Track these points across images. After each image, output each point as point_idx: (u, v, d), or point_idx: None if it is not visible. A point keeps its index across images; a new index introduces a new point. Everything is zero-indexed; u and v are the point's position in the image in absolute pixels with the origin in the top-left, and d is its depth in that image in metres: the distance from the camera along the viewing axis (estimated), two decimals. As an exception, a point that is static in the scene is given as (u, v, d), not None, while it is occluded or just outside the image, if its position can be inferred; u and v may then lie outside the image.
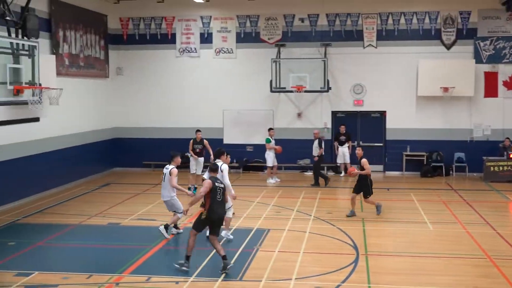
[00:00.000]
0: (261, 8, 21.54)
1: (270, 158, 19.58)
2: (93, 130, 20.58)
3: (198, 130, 17.62)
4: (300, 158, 21.56)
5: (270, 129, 19.91)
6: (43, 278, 9.55)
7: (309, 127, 21.45)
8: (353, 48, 21.29)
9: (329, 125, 21.63)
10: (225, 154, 11.99)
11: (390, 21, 21.10)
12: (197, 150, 17.52)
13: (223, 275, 9.58)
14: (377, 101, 21.32)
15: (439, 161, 20.86)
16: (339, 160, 20.81)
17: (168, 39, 22.19)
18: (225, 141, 21.81)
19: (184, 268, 9.74)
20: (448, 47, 20.86)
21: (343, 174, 20.81)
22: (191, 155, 17.39)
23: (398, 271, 9.95)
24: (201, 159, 17.57)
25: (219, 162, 11.44)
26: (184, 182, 15.62)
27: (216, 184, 9.91)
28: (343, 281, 9.28)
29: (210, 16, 21.92)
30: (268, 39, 21.64)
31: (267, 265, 10.14)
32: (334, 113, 21.67)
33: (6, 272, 9.88)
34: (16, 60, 11.42)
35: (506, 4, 19.84)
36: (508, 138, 20.13)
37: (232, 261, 10.22)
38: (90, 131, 20.37)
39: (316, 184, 18.84)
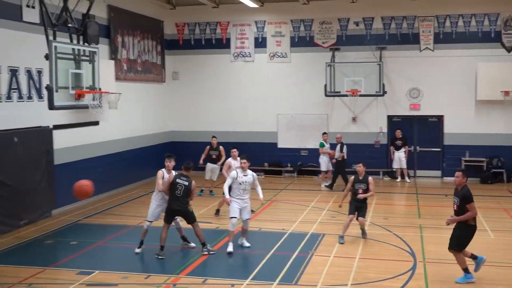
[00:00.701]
0: (315, 12, 21.45)
1: (324, 163, 19.48)
2: (149, 133, 20.93)
3: (213, 136, 17.67)
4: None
5: (324, 134, 19.81)
6: (103, 277, 9.78)
7: (364, 131, 21.30)
8: (409, 51, 20.91)
9: (385, 130, 21.30)
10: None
11: (447, 23, 20.64)
12: (213, 157, 17.55)
13: (278, 279, 9.55)
14: (434, 105, 20.85)
15: (500, 167, 20.24)
16: (395, 165, 20.45)
17: (222, 44, 22.35)
18: (279, 145, 21.89)
19: (160, 257, 10.81)
20: (509, 49, 20.23)
21: (399, 179, 20.45)
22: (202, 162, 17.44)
23: (453, 278, 9.60)
24: (216, 166, 17.44)
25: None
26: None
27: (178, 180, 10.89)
28: (401, 288, 9.13)
29: (264, 21, 21.97)
30: (323, 43, 21.53)
31: (322, 270, 10.07)
32: (389, 118, 21.33)
33: (69, 270, 10.21)
34: (77, 66, 11.65)
35: None
36: None
37: (287, 266, 10.21)
38: (147, 135, 20.71)
39: (331, 186, 18.94)
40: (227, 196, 11.35)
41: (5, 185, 12.84)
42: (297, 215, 14.71)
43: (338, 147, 18.85)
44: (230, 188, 11.43)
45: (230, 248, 11.13)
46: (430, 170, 21.26)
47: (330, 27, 21.47)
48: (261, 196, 11.53)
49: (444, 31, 20.69)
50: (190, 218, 11.15)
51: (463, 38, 20.54)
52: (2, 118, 13.02)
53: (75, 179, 15.57)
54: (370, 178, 12.43)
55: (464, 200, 9.15)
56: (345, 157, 18.72)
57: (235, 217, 11.19)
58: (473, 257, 9.41)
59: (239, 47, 22.24)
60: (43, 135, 14.33)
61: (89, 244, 11.98)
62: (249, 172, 11.45)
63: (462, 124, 20.64)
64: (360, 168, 12.54)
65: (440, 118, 20.99)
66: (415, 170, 21.33)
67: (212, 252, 11.10)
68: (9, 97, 13.31)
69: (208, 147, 17.63)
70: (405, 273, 9.82)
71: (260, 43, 22.08)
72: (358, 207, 12.20)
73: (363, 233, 12.37)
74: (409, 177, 20.73)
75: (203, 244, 11.12)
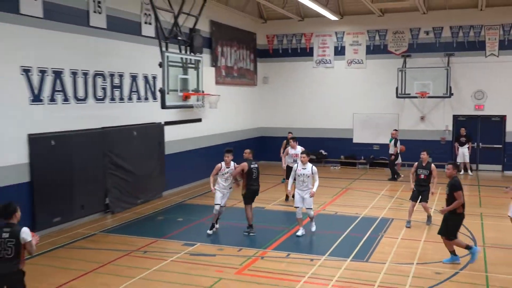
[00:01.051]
0: (389, 23, 21.02)
1: (394, 156, 19.15)
2: (243, 129, 21.29)
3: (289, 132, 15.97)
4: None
5: (394, 130, 19.44)
6: (204, 249, 10.14)
7: (431, 129, 20.70)
8: (475, 57, 20.01)
9: (450, 128, 20.58)
10: None
11: (512, 31, 19.65)
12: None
13: (351, 256, 9.58)
14: (498, 106, 19.88)
15: (561, 163, 19.06)
16: (459, 159, 19.68)
17: (306, 52, 22.35)
18: (354, 141, 21.67)
19: (251, 234, 11.07)
20: None
21: (462, 172, 19.70)
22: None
23: (514, 263, 9.31)
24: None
25: None
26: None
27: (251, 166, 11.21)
28: (461, 269, 8.89)
29: (343, 32, 21.76)
30: (395, 50, 21.07)
31: (390, 250, 9.98)
32: (455, 117, 20.56)
33: (175, 241, 10.66)
34: (185, 72, 11.91)
35: None
36: None
37: (359, 245, 10.19)
38: (241, 130, 21.08)
39: (393, 178, 18.45)
40: (289, 187, 11.49)
41: (126, 171, 13.59)
42: (369, 201, 14.57)
43: (393, 142, 18.56)
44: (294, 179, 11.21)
45: (298, 233, 11.06)
46: (491, 164, 20.37)
47: (402, 36, 20.98)
48: (314, 189, 11.04)
49: (509, 38, 19.66)
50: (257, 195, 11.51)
51: (527, 44, 19.50)
52: (125, 116, 13.74)
53: (181, 166, 16.32)
54: (433, 165, 12.18)
55: (452, 189, 9.10)
56: (398, 151, 18.48)
57: (298, 206, 11.05)
58: (468, 247, 9.18)
59: (320, 55, 22.17)
60: (156, 129, 14.96)
61: (192, 221, 12.43)
62: (309, 166, 11.06)
63: (524, 123, 19.63)
64: (424, 155, 12.23)
65: (502, 118, 19.98)
66: (477, 164, 20.47)
67: (252, 234, 11.15)
68: (130, 98, 14.00)
69: (285, 141, 17.17)
70: (466, 256, 9.48)
71: (339, 51, 21.88)
72: (420, 192, 11.91)
73: (428, 219, 12.07)
74: (471, 170, 19.97)
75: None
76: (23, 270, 6.16)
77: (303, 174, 11.02)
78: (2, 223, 6.10)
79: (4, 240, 5.93)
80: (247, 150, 11.66)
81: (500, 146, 20.20)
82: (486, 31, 19.89)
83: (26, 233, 6.00)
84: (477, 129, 20.40)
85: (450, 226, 9.17)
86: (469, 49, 20.12)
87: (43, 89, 11.21)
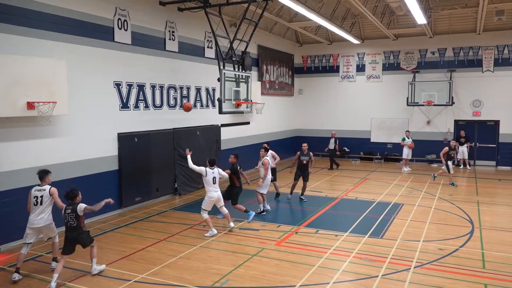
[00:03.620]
0: (401, 45, 20.40)
1: (405, 152, 18.60)
2: (282, 130, 21.17)
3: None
4: (428, 154, 20.11)
5: (406, 131, 19.00)
6: (250, 224, 10.12)
7: (435, 131, 20.00)
8: (473, 72, 19.16)
9: (452, 130, 19.77)
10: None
11: (506, 51, 18.60)
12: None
13: (368, 233, 9.33)
14: (492, 112, 18.96)
15: (546, 160, 17.99)
16: (459, 156, 18.94)
17: (333, 69, 21.98)
18: (372, 140, 21.17)
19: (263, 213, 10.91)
20: (557, 70, 17.85)
21: (462, 167, 18.94)
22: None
23: (507, 242, 8.83)
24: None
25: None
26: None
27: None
28: (461, 246, 8.50)
29: (364, 53, 21.27)
30: (406, 67, 20.40)
31: (401, 229, 9.66)
32: (456, 121, 19.73)
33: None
34: (237, 85, 11.94)
35: None
36: None
37: (374, 226, 9.92)
38: (280, 131, 20.97)
39: (331, 168, 18.67)
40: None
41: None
42: (383, 189, 14.18)
43: (333, 140, 18.82)
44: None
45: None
46: (487, 160, 19.45)
47: (412, 56, 20.31)
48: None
49: (502, 57, 18.69)
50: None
51: (518, 62, 18.49)
52: (192, 119, 13.88)
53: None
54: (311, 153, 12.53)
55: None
56: (336, 148, 18.93)
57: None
58: (246, 211, 10.09)
59: (345, 71, 21.75)
60: (214, 130, 15.05)
61: (241, 202, 12.09)
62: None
63: (515, 127, 18.63)
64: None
65: (496, 122, 19.03)
66: (474, 160, 19.58)
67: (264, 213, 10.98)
68: (195, 106, 14.10)
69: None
70: (465, 235, 9.17)
71: (360, 68, 21.40)
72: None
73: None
74: (469, 165, 19.14)
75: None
76: (87, 230, 7.17)
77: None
78: (68, 203, 7.01)
79: (68, 214, 6.89)
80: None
81: (494, 145, 19.25)
82: (483, 51, 19.00)
83: (80, 209, 6.88)
84: (474, 131, 19.50)
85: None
86: (468, 66, 19.28)
87: (130, 99, 11.45)
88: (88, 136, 10.20)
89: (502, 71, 18.68)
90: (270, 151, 12.22)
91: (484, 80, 19.03)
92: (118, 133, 11.03)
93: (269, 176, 11.27)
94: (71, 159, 9.79)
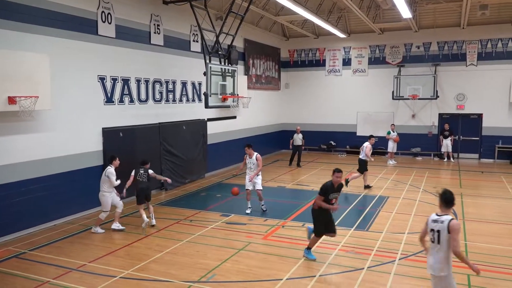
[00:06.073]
0: (387, 39, 20.52)
1: (390, 145, 18.76)
2: (268, 124, 21.16)
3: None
4: (413, 147, 20.33)
5: (392, 125, 19.17)
6: (237, 219, 10.12)
7: (420, 125, 20.22)
8: (457, 66, 19.38)
9: (436, 123, 20.01)
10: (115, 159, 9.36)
11: (489, 45, 18.86)
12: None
13: (354, 226, 9.40)
14: (476, 106, 19.22)
15: (527, 152, 18.35)
16: (443, 149, 19.25)
17: (320, 63, 22.01)
18: (358, 134, 21.23)
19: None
20: (538, 64, 18.17)
21: (446, 159, 19.21)
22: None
23: (489, 233, 9.00)
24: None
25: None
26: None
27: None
28: (444, 238, 8.62)
29: (350, 47, 21.33)
30: (392, 61, 20.54)
31: (386, 222, 9.77)
32: (440, 115, 19.96)
33: (215, 212, 10.65)
34: (224, 79, 11.88)
35: None
36: None
37: (360, 219, 10.00)
38: (266, 125, 20.95)
39: (290, 164, 17.84)
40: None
41: (177, 156, 13.64)
42: (369, 183, 14.28)
43: (300, 135, 17.72)
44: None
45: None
46: (470, 153, 19.75)
47: (398, 50, 20.44)
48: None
49: (486, 51, 18.95)
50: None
51: (501, 56, 18.69)
52: (177, 114, 13.79)
53: (220, 153, 16.34)
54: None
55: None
56: (303, 143, 17.84)
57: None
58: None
59: (331, 65, 21.80)
60: (200, 124, 14.95)
61: (228, 197, 12.29)
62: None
63: (497, 120, 18.87)
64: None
65: (480, 116, 19.31)
66: (458, 153, 19.87)
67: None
68: (180, 100, 14.05)
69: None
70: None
71: (346, 62, 21.48)
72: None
73: None
74: (453, 158, 19.42)
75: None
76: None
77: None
78: (141, 167, 9.50)
79: (142, 173, 9.36)
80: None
81: (477, 138, 19.54)
82: (467, 46, 19.22)
83: (151, 171, 9.51)
84: (458, 124, 19.76)
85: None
86: (452, 60, 19.50)
87: (114, 93, 11.30)
88: (72, 131, 10.05)
89: (485, 65, 18.93)
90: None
91: (467, 74, 19.26)
92: (102, 128, 10.88)
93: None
94: (55, 155, 9.64)
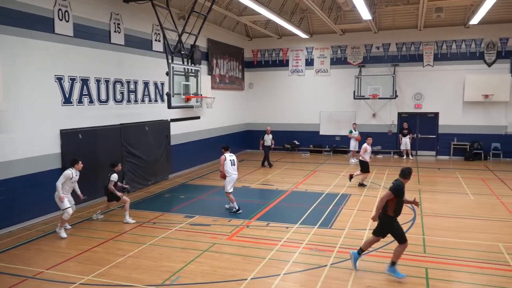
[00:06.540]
0: (348, 40, 20.95)
1: (352, 144, 19.20)
2: (233, 124, 21.13)
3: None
4: (374, 146, 20.81)
5: (353, 124, 19.56)
6: (201, 220, 10.02)
7: (380, 124, 20.77)
8: (415, 67, 20.07)
9: (396, 122, 20.62)
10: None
11: (444, 46, 19.64)
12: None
13: (318, 224, 9.53)
14: (432, 105, 19.98)
15: (479, 149, 19.20)
16: (402, 147, 19.89)
17: (283, 63, 22.20)
18: (321, 133, 21.64)
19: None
20: (489, 65, 19.04)
21: (405, 157, 19.85)
22: None
23: (446, 227, 9.35)
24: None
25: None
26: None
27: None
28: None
29: (313, 47, 21.64)
30: (353, 61, 20.99)
31: (349, 219, 9.96)
32: (399, 114, 20.60)
33: (179, 214, 10.52)
34: (187, 79, 11.78)
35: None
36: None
37: (323, 217, 10.15)
38: (231, 125, 20.92)
39: (263, 165, 17.70)
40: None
41: (140, 158, 13.38)
42: (332, 181, 14.57)
43: (270, 136, 17.66)
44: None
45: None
46: (428, 150, 20.51)
47: (359, 51, 20.91)
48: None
49: (441, 52, 19.72)
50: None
51: (455, 56, 19.51)
52: (140, 114, 13.53)
53: (184, 154, 16.18)
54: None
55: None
56: (272, 144, 17.80)
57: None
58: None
59: (294, 66, 22.04)
60: (163, 125, 14.73)
61: (193, 198, 12.28)
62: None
63: (452, 118, 19.69)
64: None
65: (436, 114, 20.08)
66: (416, 150, 20.59)
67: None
68: (143, 100, 13.78)
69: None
70: (408, 222, 9.61)
71: (309, 62, 21.77)
72: None
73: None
74: (412, 155, 20.10)
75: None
76: None
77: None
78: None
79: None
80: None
81: (434, 136, 20.30)
82: (424, 47, 19.92)
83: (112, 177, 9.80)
84: (416, 123, 20.45)
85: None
86: (410, 61, 20.15)
87: (73, 93, 10.94)
88: (27, 133, 9.64)
89: (441, 65, 19.70)
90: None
91: (424, 74, 19.97)
92: (60, 130, 10.51)
93: (232, 173, 10.76)
94: (9, 158, 9.23)
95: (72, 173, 9.04)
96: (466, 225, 9.56)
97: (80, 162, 9.24)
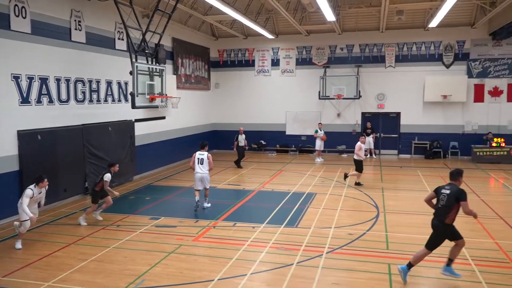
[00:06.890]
0: (313, 41, 21.21)
1: (318, 144, 19.44)
2: (199, 124, 20.97)
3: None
4: (339, 145, 21.23)
5: (319, 123, 19.79)
6: (167, 221, 9.89)
7: (345, 123, 21.16)
8: (377, 68, 20.59)
9: (359, 122, 21.07)
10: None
11: (405, 48, 20.24)
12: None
13: (284, 223, 9.59)
14: (394, 105, 20.55)
15: (439, 147, 19.91)
16: (366, 146, 20.19)
17: (249, 63, 22.23)
18: (287, 133, 21.82)
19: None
20: (448, 66, 19.80)
21: (368, 156, 20.30)
22: None
23: (408, 224, 9.62)
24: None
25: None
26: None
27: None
28: (368, 230, 9.10)
29: (278, 47, 21.78)
30: (318, 62, 21.29)
31: (314, 218, 10.08)
32: (363, 114, 21.07)
33: (143, 216, 10.33)
34: (151, 79, 11.61)
35: (492, 35, 18.91)
36: (490, 132, 19.13)
37: (290, 216, 10.23)
38: (197, 125, 20.75)
39: (239, 165, 17.48)
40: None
41: (103, 159, 13.02)
42: (298, 180, 14.70)
43: (244, 136, 17.57)
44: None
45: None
46: (390, 149, 21.09)
47: (323, 51, 21.22)
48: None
49: (402, 54, 20.31)
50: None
51: (415, 58, 20.15)
52: (102, 115, 13.19)
53: (149, 155, 15.90)
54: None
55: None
56: (245, 144, 17.75)
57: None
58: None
59: (260, 66, 22.11)
60: (128, 125, 14.45)
61: (158, 199, 12.11)
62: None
63: (413, 118, 20.33)
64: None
65: (398, 114, 20.67)
66: (379, 149, 21.13)
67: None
68: (105, 100, 13.45)
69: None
70: (371, 220, 9.84)
71: (275, 62, 21.90)
72: None
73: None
74: (375, 154, 20.61)
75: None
76: None
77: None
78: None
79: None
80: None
81: (396, 135, 20.88)
82: (386, 48, 20.45)
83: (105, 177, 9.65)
84: (379, 123, 20.97)
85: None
86: (373, 62, 20.64)
87: (31, 93, 10.53)
88: (-19, 135, 9.20)
89: (402, 66, 20.30)
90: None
91: (387, 75, 20.52)
92: (18, 131, 10.09)
93: (197, 171, 10.85)
94: (-38, 161, 8.77)
95: (33, 193, 8.09)
96: (427, 221, 9.69)
97: (45, 179, 8.22)
